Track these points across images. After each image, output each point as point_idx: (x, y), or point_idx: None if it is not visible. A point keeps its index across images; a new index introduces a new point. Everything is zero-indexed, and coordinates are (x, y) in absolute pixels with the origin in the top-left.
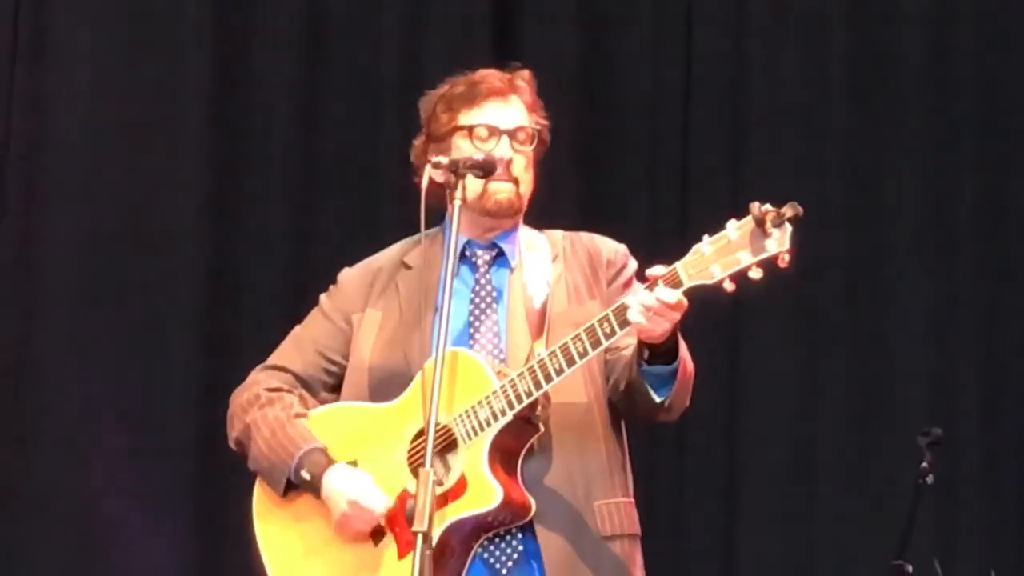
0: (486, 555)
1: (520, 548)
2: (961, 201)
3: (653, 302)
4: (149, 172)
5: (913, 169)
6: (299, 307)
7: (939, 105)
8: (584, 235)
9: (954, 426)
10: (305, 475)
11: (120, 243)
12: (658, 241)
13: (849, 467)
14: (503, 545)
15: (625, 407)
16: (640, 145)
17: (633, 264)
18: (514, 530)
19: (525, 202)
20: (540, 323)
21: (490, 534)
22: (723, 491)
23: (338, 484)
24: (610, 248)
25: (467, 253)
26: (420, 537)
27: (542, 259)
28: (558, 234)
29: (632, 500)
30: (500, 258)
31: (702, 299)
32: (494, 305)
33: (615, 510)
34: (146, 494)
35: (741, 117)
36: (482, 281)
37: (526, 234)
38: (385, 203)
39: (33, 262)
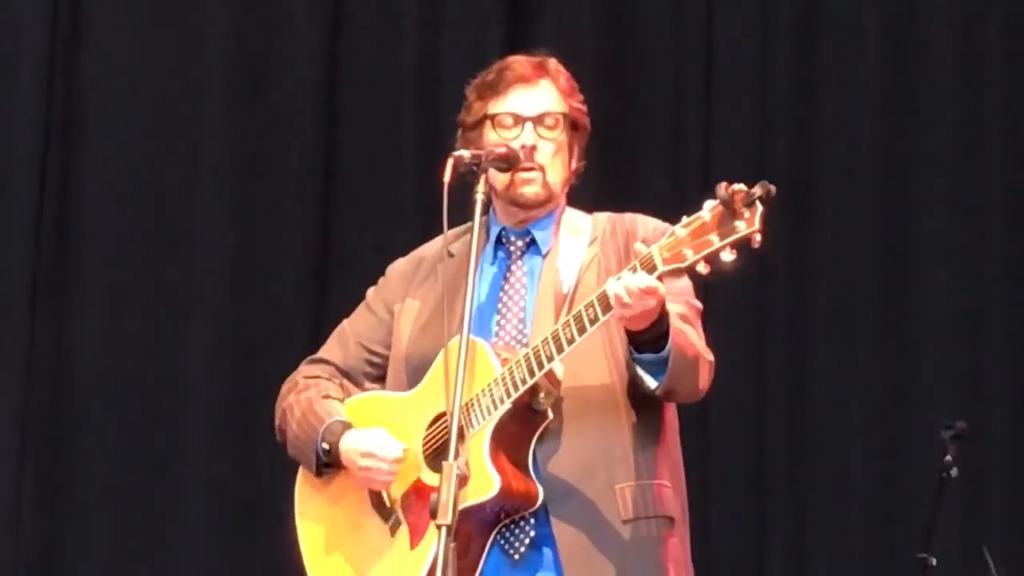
0: (501, 540)
1: (532, 533)
2: (991, 202)
3: (630, 284)
4: (175, 172)
5: (943, 170)
6: (321, 304)
7: (969, 107)
8: (628, 216)
9: (983, 421)
10: (325, 446)
11: (150, 241)
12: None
13: (877, 462)
14: (516, 531)
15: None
16: (661, 140)
17: None
18: (527, 515)
19: (556, 191)
20: (564, 307)
21: (507, 521)
22: (751, 485)
23: (352, 443)
24: (649, 227)
25: (503, 240)
26: (444, 530)
27: (580, 243)
28: (603, 216)
29: (666, 483)
30: (533, 245)
31: (729, 298)
32: (523, 291)
33: (639, 492)
34: (176, 490)
35: (766, 119)
36: (513, 267)
37: (571, 217)
38: (406, 199)
39: (71, 264)
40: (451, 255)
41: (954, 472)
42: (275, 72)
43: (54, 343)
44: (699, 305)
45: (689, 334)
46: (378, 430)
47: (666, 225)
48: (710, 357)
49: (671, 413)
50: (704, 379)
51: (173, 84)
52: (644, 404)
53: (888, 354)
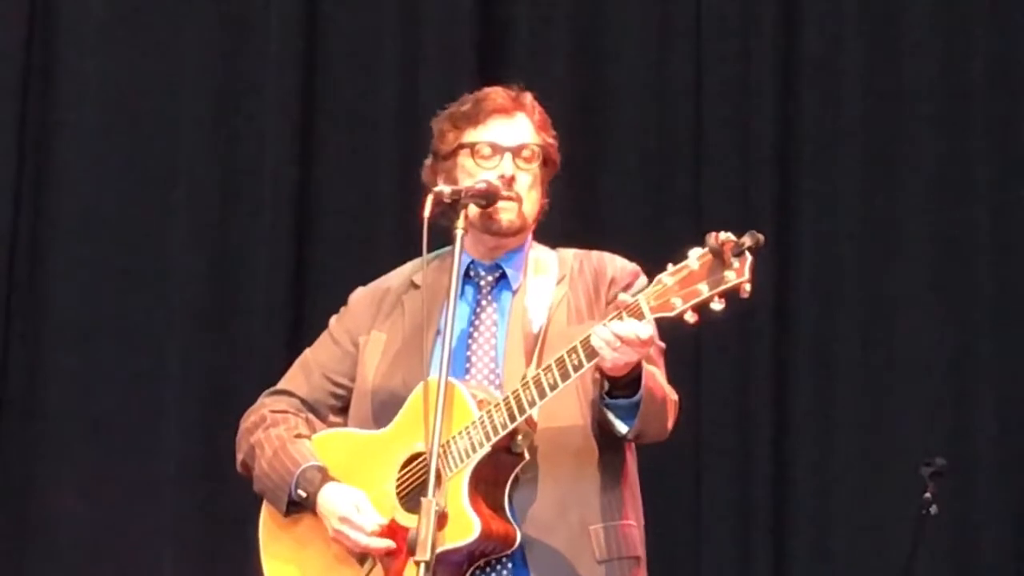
0: None
1: None
2: (976, 242)
3: (621, 332)
4: (147, 203)
5: (926, 211)
6: (295, 336)
7: (952, 143)
8: (595, 254)
9: (965, 459)
10: (301, 493)
11: (121, 274)
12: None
13: (860, 499)
14: (492, 574)
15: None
16: (636, 176)
17: (642, 283)
18: (504, 559)
19: (530, 221)
20: (535, 348)
21: (480, 563)
22: (736, 524)
23: (331, 501)
24: (617, 266)
25: (471, 274)
26: (422, 567)
27: (548, 281)
28: (569, 253)
29: (633, 523)
30: (503, 280)
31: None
32: (493, 328)
33: (612, 533)
34: (147, 522)
35: (752, 154)
36: (483, 303)
37: (537, 254)
38: (383, 232)
39: (40, 297)
40: (416, 286)
41: (934, 509)
42: (250, 106)
43: (24, 377)
44: (662, 344)
45: (656, 375)
46: (357, 493)
47: (633, 265)
48: (675, 397)
49: (631, 453)
50: (671, 420)
51: (147, 118)
52: (610, 444)
53: (870, 394)
